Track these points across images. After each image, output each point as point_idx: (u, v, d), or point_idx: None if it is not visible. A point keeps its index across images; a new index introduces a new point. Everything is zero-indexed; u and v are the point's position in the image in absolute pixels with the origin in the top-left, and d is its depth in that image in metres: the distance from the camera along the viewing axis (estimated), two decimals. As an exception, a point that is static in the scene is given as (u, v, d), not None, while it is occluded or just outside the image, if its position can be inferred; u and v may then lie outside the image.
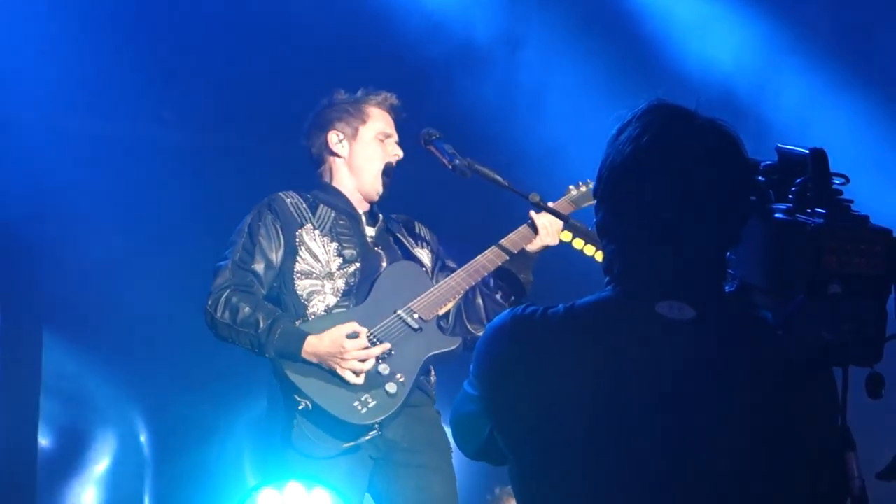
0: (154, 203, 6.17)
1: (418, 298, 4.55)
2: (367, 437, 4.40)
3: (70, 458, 6.33)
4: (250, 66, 6.17)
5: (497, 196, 4.87)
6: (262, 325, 4.39)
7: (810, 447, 2.17)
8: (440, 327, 4.60)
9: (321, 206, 4.63)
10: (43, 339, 6.21)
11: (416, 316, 4.52)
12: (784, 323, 2.14)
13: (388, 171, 4.65)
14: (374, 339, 4.45)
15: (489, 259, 4.63)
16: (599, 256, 4.51)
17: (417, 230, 4.82)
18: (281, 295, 4.55)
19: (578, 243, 4.65)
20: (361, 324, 4.45)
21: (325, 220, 4.60)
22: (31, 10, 5.87)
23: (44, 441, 6.27)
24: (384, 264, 4.62)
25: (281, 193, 4.62)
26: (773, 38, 6.07)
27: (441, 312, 4.57)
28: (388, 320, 4.50)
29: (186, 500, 6.34)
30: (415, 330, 4.51)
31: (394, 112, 4.74)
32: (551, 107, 6.29)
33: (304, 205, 4.61)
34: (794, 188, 2.15)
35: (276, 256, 4.53)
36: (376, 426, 4.40)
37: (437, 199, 4.92)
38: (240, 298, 4.44)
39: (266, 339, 4.39)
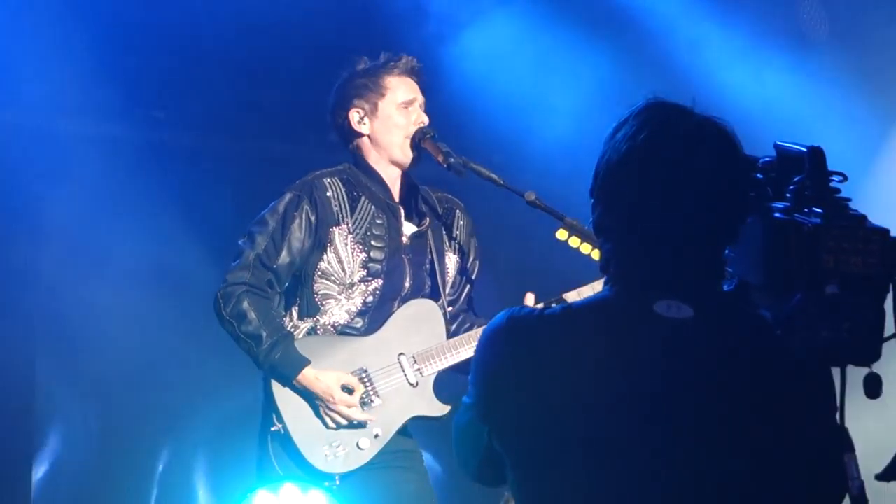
0: (147, 205, 6.15)
1: (425, 349, 4.48)
2: (325, 485, 4.35)
3: (67, 461, 6.31)
4: (244, 65, 6.16)
5: (493, 195, 4.85)
6: (264, 342, 4.35)
7: (808, 447, 2.16)
8: (436, 387, 4.50)
9: (362, 199, 4.52)
10: (35, 342, 6.19)
11: (416, 368, 4.46)
12: (782, 322, 2.13)
13: (416, 139, 4.55)
14: (367, 380, 4.41)
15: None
16: (596, 255, 4.49)
17: (456, 224, 4.72)
18: (299, 286, 4.51)
19: (575, 241, 4.63)
20: (362, 359, 4.42)
21: (363, 221, 4.50)
22: (18, 9, 5.85)
23: (38, 442, 6.25)
24: (407, 284, 4.53)
25: (326, 180, 4.52)
26: (767, 35, 6.07)
27: (442, 369, 4.50)
28: (388, 366, 4.45)
29: (191, 502, 6.35)
30: (411, 384, 4.46)
31: (415, 75, 4.63)
32: (554, 107, 6.29)
33: (346, 199, 4.51)
34: (791, 186, 2.14)
35: (303, 252, 4.44)
36: (336, 477, 4.37)
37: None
38: (251, 304, 4.37)
39: (264, 358, 4.35)
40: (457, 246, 4.71)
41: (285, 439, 4.36)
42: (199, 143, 6.41)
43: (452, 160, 4.58)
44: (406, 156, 4.57)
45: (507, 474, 2.20)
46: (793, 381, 2.16)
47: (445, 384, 4.56)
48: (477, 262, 4.76)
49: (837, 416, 2.15)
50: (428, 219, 4.65)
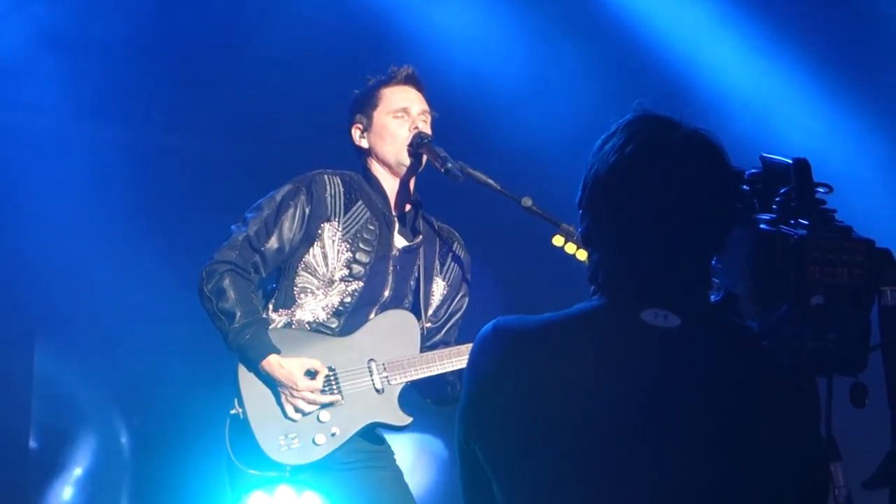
0: (144, 207, 6.17)
1: (397, 359, 4.48)
2: (275, 475, 4.36)
3: (61, 459, 6.32)
4: (245, 69, 6.17)
5: (490, 200, 4.86)
6: (236, 321, 4.37)
7: (795, 456, 2.17)
8: (401, 397, 4.50)
9: (359, 202, 4.56)
10: (34, 342, 6.21)
11: (384, 375, 4.46)
12: (769, 332, 2.14)
13: (414, 144, 4.56)
14: (334, 379, 4.42)
15: None
16: (591, 261, 4.50)
17: (452, 252, 4.74)
18: (281, 277, 4.54)
19: (571, 248, 4.65)
20: (332, 358, 4.43)
21: (355, 222, 4.53)
22: (18, 10, 5.87)
23: (34, 443, 6.26)
24: (386, 293, 4.55)
25: (327, 176, 4.57)
26: (766, 44, 6.08)
27: (411, 381, 4.50)
28: (357, 368, 4.46)
29: (186, 503, 6.35)
30: (377, 390, 4.46)
31: (412, 82, 4.65)
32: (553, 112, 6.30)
33: (343, 198, 4.54)
34: (778, 198, 2.16)
35: (293, 241, 4.47)
36: (288, 469, 4.37)
37: (429, 203, 4.91)
38: (232, 282, 4.40)
39: (234, 337, 4.37)
40: (448, 275, 4.72)
41: (243, 424, 4.36)
42: (198, 146, 6.43)
43: (450, 165, 4.59)
44: (401, 164, 4.59)
45: (493, 488, 2.18)
46: (779, 391, 2.16)
47: (411, 397, 4.57)
48: (466, 300, 4.76)
49: (824, 426, 2.17)
50: (422, 237, 4.66)
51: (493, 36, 6.25)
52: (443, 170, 4.59)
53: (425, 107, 4.65)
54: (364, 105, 4.63)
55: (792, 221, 2.11)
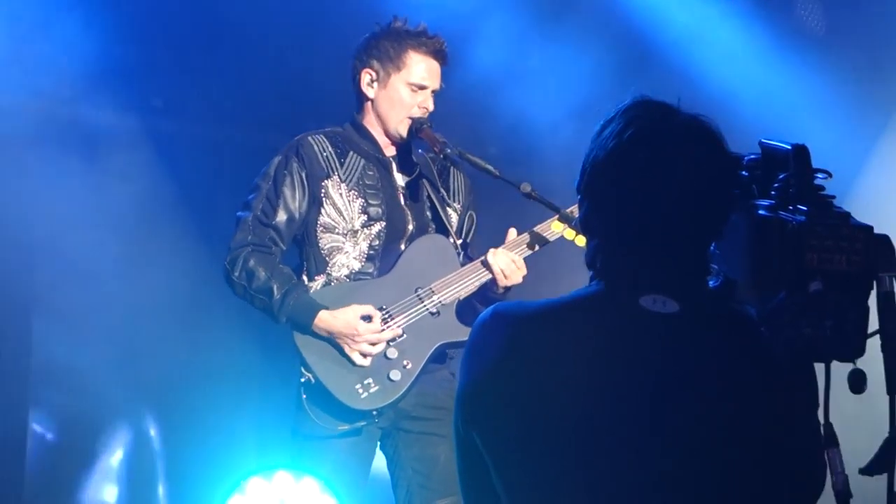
0: (148, 192, 6.17)
1: (441, 279, 4.52)
2: (364, 424, 4.40)
3: (60, 446, 6.33)
4: (244, 54, 6.17)
5: (489, 186, 4.87)
6: (276, 294, 4.40)
7: (792, 443, 2.17)
8: (458, 313, 4.54)
9: (350, 153, 4.57)
10: (32, 327, 6.21)
11: (435, 298, 4.50)
12: (767, 319, 2.15)
13: (413, 128, 4.57)
14: (389, 317, 4.45)
15: (518, 243, 4.57)
16: (591, 247, 4.50)
17: (453, 177, 4.76)
18: (304, 246, 4.56)
19: (570, 234, 4.65)
20: (380, 298, 4.45)
21: (353, 171, 4.55)
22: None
23: (35, 428, 6.27)
24: (410, 226, 4.59)
25: (310, 137, 4.58)
26: (765, 38, 6.09)
27: (463, 297, 4.54)
28: (406, 299, 4.49)
29: (183, 488, 6.35)
30: (432, 314, 4.49)
31: (439, 59, 4.62)
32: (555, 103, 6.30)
33: (333, 152, 4.56)
34: (776, 184, 2.16)
35: (300, 208, 4.50)
36: (374, 413, 4.40)
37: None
38: (257, 261, 4.43)
39: (279, 309, 4.40)
40: (456, 196, 4.74)
41: (317, 387, 4.38)
42: (196, 132, 6.42)
43: (449, 151, 4.61)
44: (399, 134, 4.60)
45: (491, 475, 2.17)
46: (777, 377, 2.16)
47: (470, 309, 4.56)
48: (472, 202, 4.77)
49: (821, 412, 2.17)
50: (418, 167, 4.68)
51: (491, 22, 6.24)
52: (441, 155, 4.61)
53: (439, 86, 4.64)
54: (386, 57, 4.59)
55: (790, 208, 2.11)
